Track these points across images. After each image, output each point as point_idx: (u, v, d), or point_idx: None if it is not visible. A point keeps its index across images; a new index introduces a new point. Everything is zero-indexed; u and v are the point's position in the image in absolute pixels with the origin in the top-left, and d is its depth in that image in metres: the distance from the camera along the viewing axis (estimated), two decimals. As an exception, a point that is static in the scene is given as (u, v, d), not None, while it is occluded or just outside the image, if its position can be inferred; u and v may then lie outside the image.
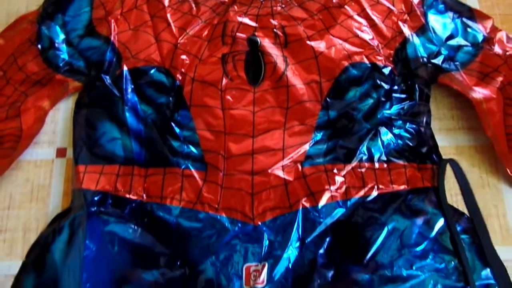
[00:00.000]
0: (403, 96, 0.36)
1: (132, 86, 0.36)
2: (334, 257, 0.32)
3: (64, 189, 0.35)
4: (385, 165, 0.34)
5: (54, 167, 0.36)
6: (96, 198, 0.33)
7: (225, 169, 0.34)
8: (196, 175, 0.34)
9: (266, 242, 0.32)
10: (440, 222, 0.33)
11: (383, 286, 0.31)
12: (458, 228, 0.32)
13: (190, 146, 0.35)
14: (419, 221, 0.33)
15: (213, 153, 0.35)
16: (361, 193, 0.34)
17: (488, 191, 0.35)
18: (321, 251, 0.32)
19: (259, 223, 0.33)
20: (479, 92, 0.35)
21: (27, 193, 0.35)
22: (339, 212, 0.33)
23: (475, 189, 0.35)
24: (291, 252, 0.32)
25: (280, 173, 0.34)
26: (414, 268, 0.31)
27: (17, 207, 0.35)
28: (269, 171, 0.34)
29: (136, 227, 0.32)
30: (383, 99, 0.36)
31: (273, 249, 0.32)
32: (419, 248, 0.32)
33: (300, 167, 0.34)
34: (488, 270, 0.32)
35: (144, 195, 0.34)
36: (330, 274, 0.31)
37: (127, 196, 0.33)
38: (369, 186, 0.34)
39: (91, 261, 0.31)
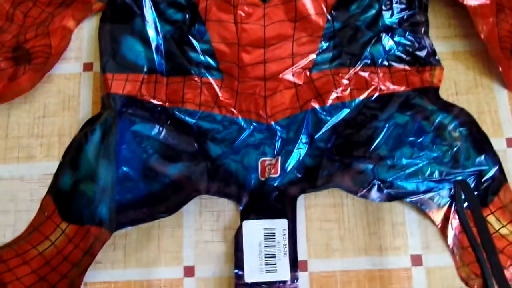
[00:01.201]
0: (403, 6, 0.38)
1: (151, 4, 0.39)
2: (340, 151, 0.36)
3: (93, 98, 0.39)
4: (387, 69, 0.37)
5: (82, 79, 0.39)
6: (124, 101, 0.36)
7: (240, 77, 0.37)
8: (213, 82, 0.38)
9: (278, 139, 0.36)
10: (439, 117, 0.36)
11: (385, 173, 0.35)
12: (456, 122, 0.36)
13: (207, 57, 0.38)
14: (419, 117, 0.36)
15: (228, 63, 0.38)
16: (365, 94, 0.37)
17: (481, 91, 0.38)
18: (328, 145, 0.36)
19: (272, 122, 0.37)
20: (474, 0, 0.38)
21: (59, 103, 0.39)
22: (344, 112, 0.37)
23: (470, 89, 0.38)
24: (302, 148, 0.36)
25: (290, 77, 0.37)
26: (413, 157, 0.35)
27: (52, 115, 0.38)
28: (280, 76, 0.37)
29: (160, 128, 0.36)
30: (384, 8, 0.38)
31: (285, 145, 0.36)
32: (418, 141, 0.35)
33: (308, 73, 0.38)
34: (483, 156, 0.35)
35: (167, 101, 0.37)
36: (336, 165, 0.35)
37: (151, 100, 0.37)
38: (372, 88, 0.37)
39: (122, 155, 0.35)
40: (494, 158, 0.35)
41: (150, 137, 0.36)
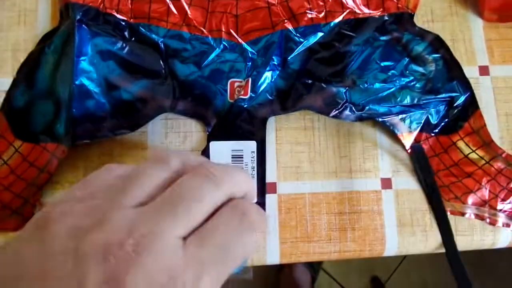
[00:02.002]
0: None
1: None
2: (313, 73, 0.35)
3: (52, 13, 0.36)
4: None
5: (40, -8, 0.36)
6: (84, 11, 0.33)
7: None
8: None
9: (249, 60, 0.35)
10: (413, 43, 0.35)
11: (357, 97, 0.34)
12: (430, 48, 0.35)
13: None
14: (393, 42, 0.35)
15: None
16: (340, 17, 0.35)
17: (456, 19, 0.37)
18: (301, 67, 0.35)
19: (243, 42, 0.35)
20: None
21: (14, 17, 0.36)
22: (319, 35, 0.35)
23: (445, 17, 0.38)
24: (273, 69, 0.35)
25: None
26: (386, 81, 0.34)
27: (5, 30, 0.35)
28: None
29: (124, 44, 0.34)
30: None
31: (256, 66, 0.35)
32: (391, 66, 0.35)
33: None
34: (455, 83, 0.35)
35: (131, 17, 0.35)
36: (309, 88, 0.34)
37: (115, 14, 0.34)
38: (347, 11, 0.36)
39: (81, 68, 0.33)
40: (466, 85, 0.35)
41: (112, 52, 0.33)
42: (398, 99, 0.34)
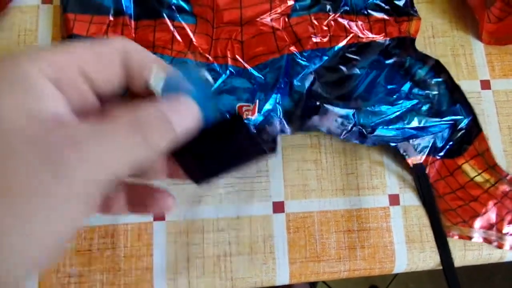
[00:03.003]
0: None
1: None
2: (320, 95, 0.34)
3: (52, 34, 0.35)
4: (366, 18, 0.36)
5: (40, 12, 0.36)
6: None
7: (215, 22, 0.35)
8: (186, 27, 0.35)
9: (256, 84, 0.34)
10: (416, 67, 0.35)
11: (366, 119, 0.34)
12: (432, 72, 0.35)
13: (180, 0, 0.35)
14: (397, 66, 0.35)
15: (202, 6, 0.35)
16: (344, 42, 0.36)
17: (456, 34, 0.38)
18: (308, 90, 0.34)
19: (249, 67, 0.35)
20: None
21: (14, 36, 0.35)
22: (324, 58, 0.35)
23: (446, 32, 0.38)
24: (280, 93, 0.34)
25: (268, 21, 0.36)
26: (392, 104, 0.34)
27: (5, 49, 0.35)
28: (257, 19, 0.35)
29: None
30: None
31: (263, 90, 0.34)
32: (396, 89, 0.35)
33: (286, 18, 0.36)
34: (457, 106, 0.35)
35: None
36: (317, 109, 0.34)
37: None
38: (351, 35, 0.36)
39: None
40: (468, 108, 0.35)
41: None
42: (406, 121, 0.34)
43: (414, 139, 0.34)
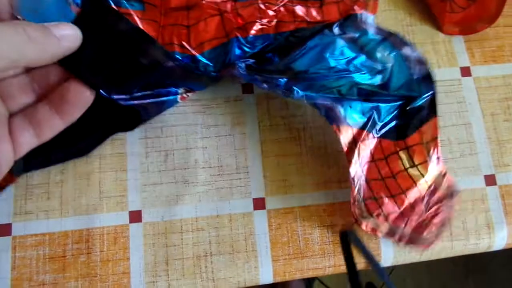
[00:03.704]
0: None
1: None
2: (256, 67, 0.32)
3: None
4: (319, 2, 0.34)
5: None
6: None
7: (162, 7, 0.33)
8: (133, 13, 0.33)
9: (203, 69, 0.32)
10: (369, 39, 0.32)
11: (299, 87, 0.30)
12: (389, 45, 0.32)
13: None
14: (345, 39, 0.32)
15: None
16: (291, 26, 0.33)
17: (434, 22, 0.37)
18: (247, 62, 0.32)
19: (197, 54, 0.33)
20: None
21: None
22: (267, 44, 0.33)
23: (424, 21, 0.38)
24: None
25: (214, 4, 0.33)
26: (331, 72, 0.31)
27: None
28: (203, 2, 0.33)
29: None
30: None
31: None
32: (340, 59, 0.32)
33: (233, 2, 0.34)
34: (414, 79, 0.31)
35: None
36: (255, 78, 0.32)
37: None
38: (300, 20, 0.33)
39: None
40: (428, 86, 0.32)
41: None
42: (342, 90, 0.30)
43: (343, 103, 0.30)
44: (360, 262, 0.31)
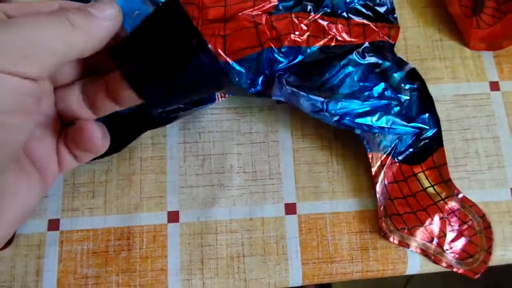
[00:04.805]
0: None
1: None
2: (291, 82, 0.34)
3: None
4: (346, 21, 0.37)
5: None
6: None
7: (200, 19, 0.35)
8: None
9: (236, 76, 0.35)
10: (392, 71, 0.35)
11: (335, 107, 0.33)
12: (407, 78, 0.36)
13: None
14: (373, 67, 0.36)
15: (187, 4, 0.36)
16: (321, 42, 0.36)
17: (463, 37, 0.38)
18: (282, 79, 0.35)
19: (231, 61, 0.35)
20: None
21: None
22: (299, 58, 0.35)
23: (453, 36, 0.39)
24: (257, 87, 0.35)
25: (250, 17, 0.36)
26: (363, 101, 0.34)
27: None
28: (239, 14, 0.35)
29: None
30: None
31: (241, 84, 0.35)
32: (369, 88, 0.35)
33: (268, 16, 0.36)
34: (427, 115, 0.35)
35: None
36: (287, 92, 0.34)
37: None
38: (329, 37, 0.36)
39: None
40: (435, 120, 0.35)
41: None
42: (374, 118, 0.34)
43: (378, 134, 0.34)
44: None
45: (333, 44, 0.36)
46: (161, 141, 0.35)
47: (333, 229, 0.33)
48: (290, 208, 0.34)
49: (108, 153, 0.33)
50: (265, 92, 0.34)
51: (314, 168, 0.35)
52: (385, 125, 0.34)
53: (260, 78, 0.35)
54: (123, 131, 0.33)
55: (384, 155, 0.35)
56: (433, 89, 0.37)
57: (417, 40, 0.38)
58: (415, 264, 0.33)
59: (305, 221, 0.34)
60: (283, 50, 0.35)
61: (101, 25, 0.21)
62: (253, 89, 0.35)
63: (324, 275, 0.33)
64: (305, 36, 0.36)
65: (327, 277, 0.33)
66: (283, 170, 0.34)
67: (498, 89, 0.37)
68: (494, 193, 0.35)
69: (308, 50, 0.36)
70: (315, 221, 0.34)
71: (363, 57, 0.36)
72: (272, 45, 0.35)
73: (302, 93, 0.34)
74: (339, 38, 0.36)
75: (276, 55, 0.35)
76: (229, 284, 0.32)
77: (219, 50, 0.35)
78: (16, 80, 0.18)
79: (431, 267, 0.33)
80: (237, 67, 0.35)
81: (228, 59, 0.35)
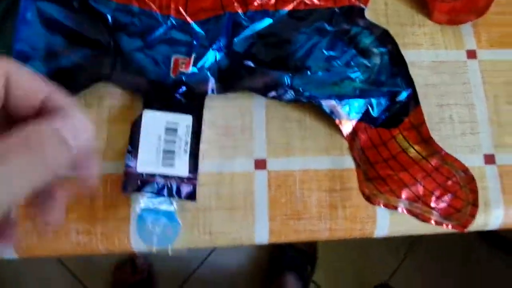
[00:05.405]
0: None
1: None
2: (257, 57, 0.35)
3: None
4: None
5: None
6: None
7: None
8: None
9: (196, 39, 0.34)
10: (361, 36, 0.35)
11: (299, 82, 0.34)
12: (378, 42, 0.35)
13: None
14: (341, 34, 0.35)
15: None
16: (290, 6, 0.36)
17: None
18: (247, 50, 0.35)
19: (192, 21, 0.35)
20: None
21: None
22: (267, 21, 0.35)
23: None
24: (218, 50, 0.34)
25: None
26: (330, 71, 0.34)
27: None
28: None
29: (71, 14, 0.33)
30: None
31: (201, 46, 0.34)
32: (336, 56, 0.35)
33: None
34: (398, 78, 0.35)
35: None
36: (252, 72, 0.34)
37: None
38: (298, 0, 0.36)
39: (22, 33, 0.32)
40: (409, 81, 0.35)
41: (57, 20, 0.33)
42: (339, 88, 0.34)
43: (344, 101, 0.34)
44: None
45: (302, 8, 0.36)
46: (129, 90, 0.34)
47: (302, 186, 0.33)
48: (260, 164, 0.33)
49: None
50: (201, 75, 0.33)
51: (286, 124, 0.34)
52: (350, 93, 0.34)
53: (217, 54, 0.34)
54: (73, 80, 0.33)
55: (355, 121, 0.34)
56: (411, 54, 0.36)
57: (398, 5, 0.38)
58: (384, 225, 0.33)
59: (274, 177, 0.33)
60: (248, 14, 0.35)
61: (71, 158, 0.18)
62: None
63: (291, 231, 0.32)
64: (273, 0, 0.35)
65: (294, 234, 0.32)
66: (254, 126, 0.34)
67: (475, 57, 0.37)
68: (468, 159, 0.34)
69: (276, 14, 0.35)
70: (285, 177, 0.33)
71: (331, 24, 0.36)
72: (237, 10, 0.35)
73: (267, 70, 0.33)
74: (308, 2, 0.36)
75: (241, 20, 0.35)
76: (193, 236, 0.31)
77: (181, 9, 0.35)
78: None
79: (399, 229, 0.33)
80: (197, 28, 0.34)
81: (188, 19, 0.35)
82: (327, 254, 1.12)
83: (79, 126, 0.19)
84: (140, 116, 0.32)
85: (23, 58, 0.32)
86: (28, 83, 0.18)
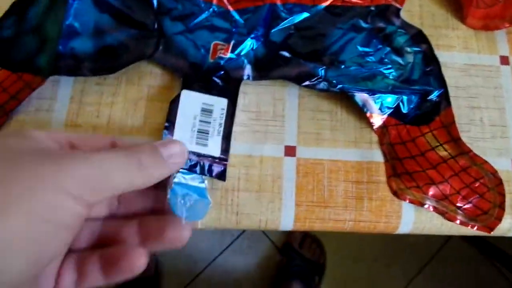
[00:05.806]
0: None
1: None
2: (294, 49, 0.36)
3: None
4: None
5: None
6: None
7: None
8: None
9: (235, 27, 0.36)
10: (396, 35, 0.36)
11: (333, 74, 0.34)
12: (412, 41, 0.36)
13: None
14: (376, 31, 0.36)
15: None
16: (327, 2, 0.37)
17: (479, 11, 0.39)
18: (283, 41, 0.36)
19: (232, 9, 0.36)
20: None
21: None
22: (304, 15, 0.36)
23: (469, 8, 0.39)
24: (256, 39, 0.36)
25: None
26: (363, 66, 0.35)
27: None
28: None
29: None
30: None
31: (240, 33, 0.36)
32: (371, 52, 0.35)
33: None
34: (431, 78, 0.35)
35: None
36: (288, 61, 0.35)
37: None
38: None
39: (74, 9, 0.34)
40: (441, 82, 0.36)
41: (106, 1, 0.35)
42: (372, 84, 0.35)
43: (378, 97, 0.34)
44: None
45: (339, 4, 0.37)
46: (169, 71, 0.35)
47: (330, 175, 0.33)
48: (290, 151, 0.34)
49: (102, 72, 0.33)
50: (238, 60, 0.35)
51: (318, 115, 0.35)
52: (384, 89, 0.34)
53: (254, 42, 0.35)
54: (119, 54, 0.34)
55: (386, 116, 0.35)
56: (444, 56, 0.37)
57: (432, 8, 0.39)
58: (408, 220, 0.33)
59: (303, 165, 0.33)
60: (288, 6, 0.36)
61: (165, 169, 0.23)
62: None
63: (316, 219, 0.32)
64: None
65: (319, 222, 0.32)
66: (286, 113, 0.35)
67: (508, 64, 0.38)
68: (496, 162, 0.35)
69: (313, 9, 0.36)
70: (313, 165, 0.34)
71: (367, 22, 0.37)
72: (277, 1, 0.36)
73: (302, 61, 0.34)
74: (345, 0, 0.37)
75: (279, 12, 0.36)
76: (221, 215, 0.32)
77: None
78: (79, 206, 0.20)
79: (425, 226, 0.33)
80: (237, 17, 0.36)
81: (229, 7, 0.36)
82: (335, 266, 1.11)
83: (175, 150, 0.25)
84: (179, 95, 0.33)
85: (73, 32, 0.34)
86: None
